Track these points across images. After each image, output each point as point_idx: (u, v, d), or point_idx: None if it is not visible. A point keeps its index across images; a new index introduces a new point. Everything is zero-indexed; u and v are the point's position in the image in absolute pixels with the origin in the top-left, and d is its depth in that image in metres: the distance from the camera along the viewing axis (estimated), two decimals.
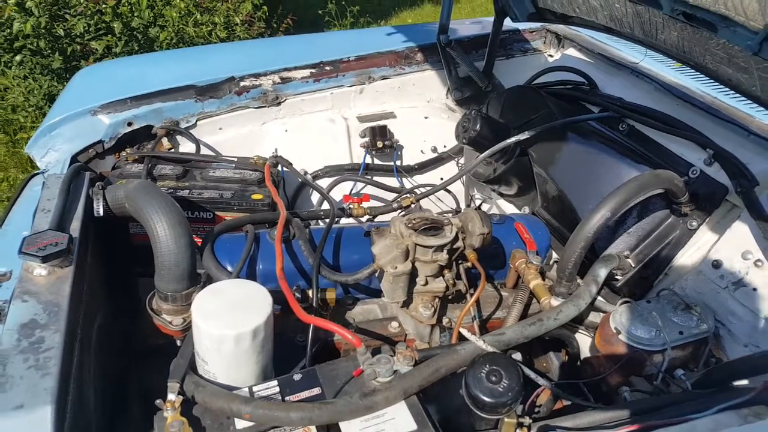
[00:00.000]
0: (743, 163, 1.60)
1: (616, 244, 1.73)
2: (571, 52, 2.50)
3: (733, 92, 1.60)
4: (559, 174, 1.97)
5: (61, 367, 1.08)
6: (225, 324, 1.14)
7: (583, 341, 1.64)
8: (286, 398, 1.13)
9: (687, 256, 1.68)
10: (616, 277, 1.69)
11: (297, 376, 1.19)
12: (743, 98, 1.58)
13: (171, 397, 1.12)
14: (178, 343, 1.40)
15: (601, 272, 1.57)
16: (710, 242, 1.63)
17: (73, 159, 1.91)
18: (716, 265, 1.57)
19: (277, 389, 1.15)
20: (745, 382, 1.29)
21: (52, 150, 1.91)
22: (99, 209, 1.55)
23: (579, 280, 1.60)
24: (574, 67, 2.20)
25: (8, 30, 4.26)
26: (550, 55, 2.68)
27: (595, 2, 1.77)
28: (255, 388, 1.16)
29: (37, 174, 1.84)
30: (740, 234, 1.56)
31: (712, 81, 1.66)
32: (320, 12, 6.57)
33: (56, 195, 1.53)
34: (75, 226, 1.45)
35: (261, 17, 5.66)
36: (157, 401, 1.12)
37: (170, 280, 1.38)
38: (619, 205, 1.50)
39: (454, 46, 2.46)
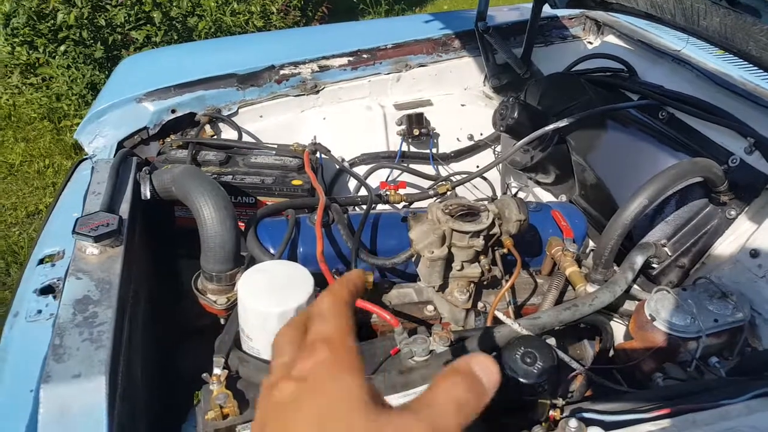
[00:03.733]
0: None
1: (653, 233, 1.73)
2: (611, 39, 2.47)
3: None
4: (597, 162, 1.96)
5: (113, 341, 1.14)
6: (270, 302, 1.18)
7: (618, 329, 1.65)
8: None
9: (725, 246, 1.66)
10: (653, 265, 1.69)
11: None
12: None
13: (217, 371, 1.17)
14: (222, 321, 1.46)
15: (638, 260, 1.58)
16: (749, 232, 1.61)
17: (119, 145, 1.97)
18: (754, 254, 1.55)
19: None
20: None
21: (100, 136, 1.97)
22: (146, 193, 1.61)
23: (615, 268, 1.61)
24: (613, 55, 2.17)
25: (53, 21, 4.39)
26: (590, 42, 2.65)
27: None
28: None
29: (85, 159, 1.91)
30: None
31: (755, 68, 1.63)
32: (355, 0, 6.57)
33: (106, 179, 1.59)
34: (124, 209, 1.51)
35: (296, 6, 5.69)
36: (204, 375, 1.17)
37: (216, 261, 1.43)
38: (656, 193, 1.50)
39: (492, 33, 2.45)
